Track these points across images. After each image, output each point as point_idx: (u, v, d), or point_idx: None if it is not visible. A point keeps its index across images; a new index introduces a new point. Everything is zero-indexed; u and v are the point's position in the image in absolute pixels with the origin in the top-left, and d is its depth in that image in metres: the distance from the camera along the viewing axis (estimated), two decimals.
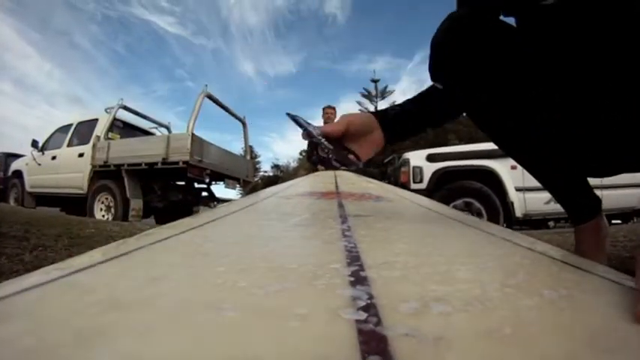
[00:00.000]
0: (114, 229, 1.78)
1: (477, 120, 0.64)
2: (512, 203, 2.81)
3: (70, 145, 4.90)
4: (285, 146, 52.98)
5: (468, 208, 2.83)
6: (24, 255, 1.01)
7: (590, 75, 0.52)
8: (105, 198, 4.34)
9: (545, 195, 2.64)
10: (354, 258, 0.28)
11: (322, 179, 1.48)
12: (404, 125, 0.59)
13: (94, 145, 4.45)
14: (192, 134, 3.91)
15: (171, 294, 0.20)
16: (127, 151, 4.25)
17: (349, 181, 1.38)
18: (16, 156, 6.90)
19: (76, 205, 4.75)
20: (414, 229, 0.47)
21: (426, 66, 0.63)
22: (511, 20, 0.59)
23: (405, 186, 3.07)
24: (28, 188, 5.33)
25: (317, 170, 3.09)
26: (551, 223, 3.70)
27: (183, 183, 4.91)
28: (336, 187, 1.10)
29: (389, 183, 2.93)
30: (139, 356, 0.14)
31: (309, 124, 0.54)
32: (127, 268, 0.26)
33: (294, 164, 28.91)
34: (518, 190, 2.82)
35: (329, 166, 0.54)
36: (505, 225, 2.76)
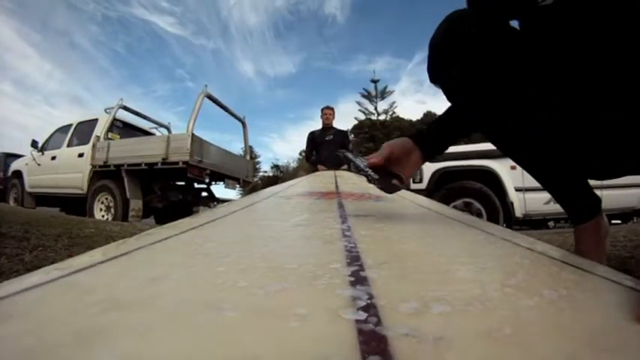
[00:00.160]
0: (114, 229, 1.78)
1: (475, 120, 0.64)
2: (512, 203, 2.81)
3: (69, 145, 4.90)
4: (285, 146, 53.06)
5: (467, 208, 2.83)
6: (24, 255, 1.01)
7: (590, 75, 0.52)
8: (105, 198, 4.34)
9: (545, 195, 2.64)
10: (354, 258, 0.28)
11: (322, 179, 1.48)
12: (438, 140, 0.63)
13: (93, 145, 4.45)
14: (192, 134, 3.91)
15: (171, 294, 0.20)
16: (126, 151, 4.25)
17: (349, 181, 1.38)
18: (16, 156, 6.90)
19: (75, 205, 4.75)
20: (414, 229, 0.47)
21: (426, 66, 0.63)
22: (515, 23, 0.59)
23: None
24: (27, 188, 5.32)
25: (317, 170, 3.09)
26: (551, 224, 3.70)
27: (183, 183, 4.90)
28: (336, 187, 1.10)
29: None
30: (139, 356, 0.14)
31: (356, 158, 0.60)
32: (127, 268, 0.26)
33: (293, 164, 28.95)
34: (517, 190, 2.82)
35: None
36: (505, 225, 2.76)
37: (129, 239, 0.34)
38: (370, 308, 0.18)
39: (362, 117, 22.17)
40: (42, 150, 5.22)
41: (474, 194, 2.87)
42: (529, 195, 2.81)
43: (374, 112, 21.86)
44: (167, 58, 55.31)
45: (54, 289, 0.21)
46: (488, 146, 2.76)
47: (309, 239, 0.38)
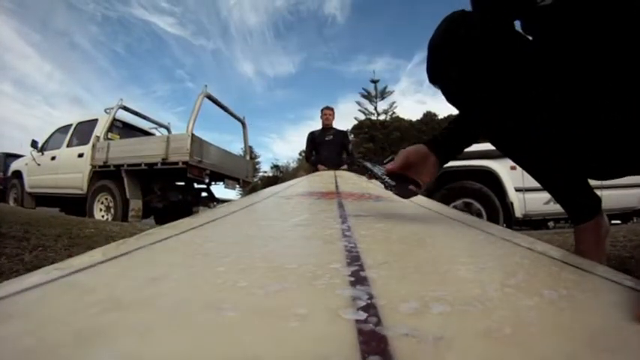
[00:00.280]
0: (114, 230, 1.78)
1: (475, 120, 0.64)
2: (511, 203, 2.81)
3: (69, 145, 4.89)
4: (285, 147, 53.01)
5: (467, 209, 2.82)
6: (24, 255, 1.01)
7: (590, 75, 0.52)
8: (104, 198, 4.34)
9: (545, 195, 2.64)
10: (354, 258, 0.28)
11: (322, 179, 1.48)
12: (452, 144, 0.65)
13: (93, 146, 4.45)
14: (192, 134, 3.91)
15: (171, 294, 0.20)
16: (126, 151, 4.25)
17: (349, 181, 1.38)
18: (16, 156, 6.90)
19: (75, 205, 4.75)
20: (414, 229, 0.47)
21: (425, 67, 0.63)
22: (515, 25, 0.60)
23: None
24: (27, 188, 5.32)
25: (317, 170, 3.09)
26: (550, 224, 3.69)
27: (182, 183, 4.90)
28: (336, 187, 1.10)
29: None
30: (139, 356, 0.14)
31: (374, 166, 0.63)
32: (127, 268, 0.26)
33: (293, 165, 28.96)
34: (517, 190, 2.82)
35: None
36: (505, 225, 2.76)
37: (129, 239, 0.34)
38: (370, 308, 0.18)
39: (362, 117, 22.20)
40: (42, 150, 5.22)
41: (473, 194, 2.87)
42: (529, 195, 2.81)
43: (374, 112, 21.87)
44: (167, 59, 55.28)
45: (54, 289, 0.21)
46: (488, 146, 2.75)
47: (309, 239, 0.38)
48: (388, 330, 0.16)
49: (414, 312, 0.18)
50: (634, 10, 0.44)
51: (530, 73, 0.57)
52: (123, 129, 4.98)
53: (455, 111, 0.67)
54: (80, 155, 4.65)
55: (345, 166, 3.48)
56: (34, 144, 5.30)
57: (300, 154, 28.02)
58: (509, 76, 0.56)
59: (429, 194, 2.86)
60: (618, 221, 2.92)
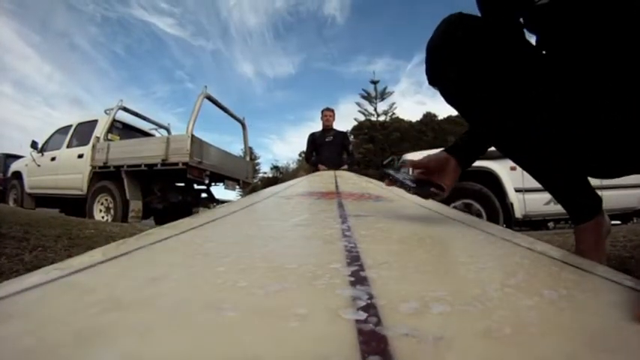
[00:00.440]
0: (113, 230, 1.78)
1: (474, 121, 0.64)
2: (511, 204, 2.81)
3: (69, 146, 4.89)
4: (285, 148, 53.06)
5: (467, 209, 2.82)
6: (24, 255, 1.01)
7: (589, 74, 0.52)
8: (104, 199, 4.34)
9: (545, 196, 2.64)
10: (354, 258, 0.28)
11: (322, 179, 1.48)
12: (472, 147, 0.66)
13: (93, 147, 4.45)
14: (192, 135, 3.91)
15: (171, 294, 0.20)
16: (126, 152, 4.25)
17: (349, 181, 1.38)
18: (16, 157, 6.90)
19: (75, 206, 4.75)
20: (414, 229, 0.47)
21: (424, 68, 0.64)
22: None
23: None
24: (27, 189, 5.32)
25: (317, 170, 3.09)
26: (550, 224, 3.69)
27: (182, 184, 4.90)
28: (336, 187, 1.10)
29: None
30: (139, 356, 0.14)
31: (397, 173, 0.64)
32: (127, 268, 0.26)
33: (293, 165, 28.98)
34: (517, 191, 2.82)
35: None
36: (505, 226, 2.76)
37: (129, 239, 0.34)
38: (370, 308, 0.18)
39: (361, 118, 22.21)
40: (42, 151, 5.22)
41: (473, 195, 2.87)
42: (529, 196, 2.81)
43: (373, 113, 21.87)
44: (166, 60, 55.34)
45: (54, 289, 0.21)
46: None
47: (309, 239, 0.38)
48: (388, 330, 0.16)
49: (414, 312, 0.18)
50: (633, 9, 0.44)
51: (530, 73, 0.57)
52: (123, 130, 4.98)
53: (455, 112, 0.68)
54: (80, 156, 4.65)
55: (346, 166, 3.48)
56: (33, 145, 5.30)
57: (300, 155, 28.05)
58: (508, 76, 0.57)
59: None
60: (618, 222, 2.92)
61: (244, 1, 54.14)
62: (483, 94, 0.58)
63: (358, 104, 22.01)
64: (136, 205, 4.12)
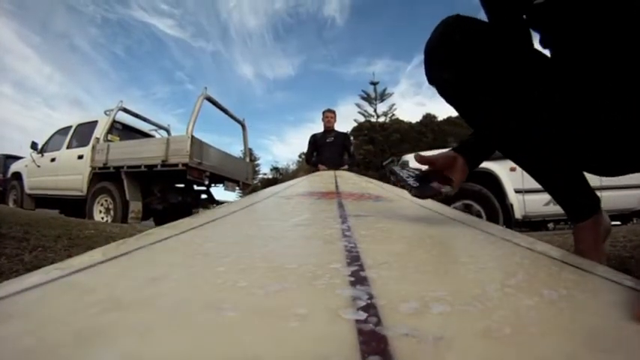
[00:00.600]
0: (113, 231, 1.78)
1: (473, 122, 0.65)
2: (511, 205, 2.81)
3: (69, 147, 4.89)
4: (285, 149, 53.04)
5: (467, 210, 2.82)
6: (23, 255, 1.01)
7: (589, 74, 0.53)
8: (104, 200, 4.34)
9: (545, 197, 2.64)
10: (354, 258, 0.28)
11: (322, 179, 1.48)
12: (479, 149, 0.66)
13: (93, 147, 4.45)
14: (192, 136, 3.91)
15: (171, 294, 0.20)
16: (126, 153, 4.25)
17: (349, 181, 1.38)
18: (16, 158, 6.90)
19: (75, 207, 4.74)
20: (414, 229, 0.47)
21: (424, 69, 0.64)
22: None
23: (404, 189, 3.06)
24: (27, 190, 5.32)
25: (317, 171, 3.09)
26: (550, 225, 3.69)
27: (182, 185, 4.90)
28: (336, 187, 1.10)
29: None
30: (139, 356, 0.14)
31: (402, 170, 0.65)
32: (127, 268, 0.26)
33: (293, 167, 28.98)
34: (517, 191, 2.82)
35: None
36: (504, 227, 2.76)
37: (129, 239, 0.34)
38: (370, 308, 0.18)
39: (361, 119, 22.19)
40: (41, 152, 5.22)
41: (473, 196, 2.87)
42: (528, 196, 2.81)
43: (373, 114, 21.85)
44: (166, 61, 55.35)
45: (54, 289, 0.21)
46: None
47: (309, 239, 0.38)
48: (388, 330, 0.16)
49: (414, 312, 0.18)
50: (632, 9, 0.45)
51: (529, 73, 0.58)
52: (123, 131, 4.98)
53: (455, 113, 0.68)
54: (80, 157, 4.65)
55: (346, 167, 3.49)
56: (33, 146, 5.30)
57: (299, 156, 28.06)
58: (506, 75, 0.57)
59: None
60: (618, 222, 2.92)
61: (244, 2, 54.26)
62: (482, 94, 0.59)
63: (358, 105, 22.02)
64: (135, 206, 4.12)
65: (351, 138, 3.89)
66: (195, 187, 5.09)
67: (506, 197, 2.84)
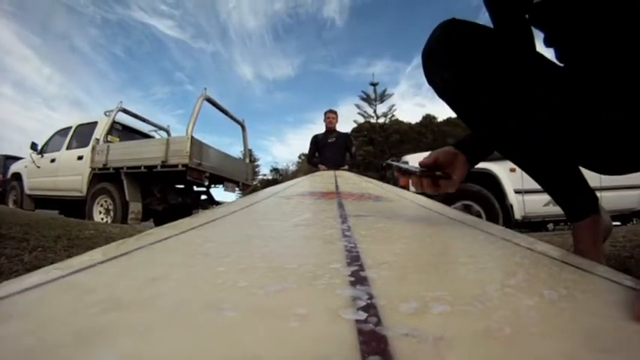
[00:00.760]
0: (113, 231, 1.77)
1: (472, 122, 0.65)
2: (511, 206, 2.81)
3: (69, 147, 4.89)
4: (284, 150, 53.10)
5: (467, 211, 2.82)
6: (23, 255, 1.00)
7: (589, 73, 0.53)
8: (104, 201, 4.33)
9: (544, 197, 2.64)
10: (354, 258, 0.28)
11: (322, 179, 1.48)
12: (480, 145, 0.66)
13: (93, 148, 4.45)
14: (192, 137, 3.91)
15: (171, 294, 0.20)
16: (126, 154, 4.25)
17: (349, 181, 1.38)
18: (15, 158, 6.89)
19: (74, 207, 4.74)
20: (414, 229, 0.47)
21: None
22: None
23: (403, 189, 3.06)
24: (27, 191, 5.31)
25: (318, 170, 3.10)
26: (550, 226, 3.69)
27: (182, 186, 4.90)
28: (336, 187, 1.10)
29: None
30: (139, 356, 0.14)
31: (405, 163, 0.66)
32: (127, 268, 0.26)
33: (293, 167, 29.00)
34: (517, 192, 2.82)
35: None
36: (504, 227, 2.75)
37: (129, 239, 0.34)
38: (370, 308, 0.18)
39: (361, 120, 22.19)
40: (41, 152, 5.21)
41: (473, 196, 2.87)
42: (528, 197, 2.81)
43: (373, 115, 21.86)
44: (166, 62, 55.47)
45: (54, 289, 0.21)
46: None
47: (309, 239, 0.38)
48: (388, 330, 0.16)
49: (414, 312, 0.18)
50: (633, 9, 0.45)
51: (529, 73, 0.58)
52: (122, 131, 4.98)
53: (455, 113, 0.68)
54: (80, 158, 4.65)
55: (346, 167, 3.49)
56: (33, 146, 5.30)
57: (299, 157, 28.08)
58: (507, 76, 0.57)
59: (429, 196, 2.85)
60: (618, 222, 2.92)
61: (243, 3, 54.34)
62: (482, 94, 0.59)
63: (358, 106, 22.02)
64: (135, 207, 4.12)
65: (352, 138, 3.89)
66: (195, 188, 5.09)
67: (505, 198, 2.84)
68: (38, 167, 5.15)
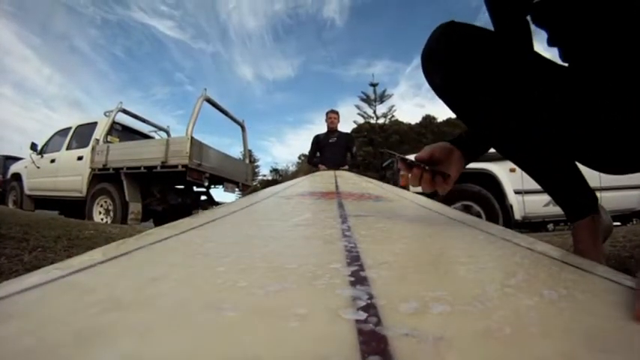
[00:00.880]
0: (113, 232, 1.77)
1: (472, 123, 0.65)
2: (511, 206, 2.81)
3: (69, 148, 4.89)
4: (284, 150, 53.12)
5: (466, 211, 2.82)
6: (23, 255, 1.00)
7: (590, 74, 0.53)
8: (104, 201, 4.33)
9: (544, 197, 2.64)
10: (354, 258, 0.28)
11: (322, 179, 1.48)
12: (476, 141, 0.66)
13: (93, 149, 4.45)
14: (192, 138, 3.91)
15: (171, 294, 0.20)
16: (126, 154, 4.25)
17: (349, 181, 1.39)
18: (15, 159, 6.90)
19: (74, 208, 4.74)
20: (414, 229, 0.47)
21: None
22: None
23: (403, 189, 3.06)
24: (26, 191, 5.31)
25: (318, 170, 3.10)
26: (550, 226, 3.69)
27: (182, 186, 4.90)
28: (336, 187, 1.10)
29: None
30: (139, 356, 0.14)
31: (403, 155, 0.65)
32: (127, 268, 0.26)
33: (293, 168, 29.00)
34: (517, 192, 2.82)
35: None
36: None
37: (129, 239, 0.34)
38: (370, 308, 0.18)
39: (361, 121, 22.17)
40: (41, 153, 5.21)
41: (473, 197, 2.87)
42: (528, 197, 2.81)
43: (373, 115, 21.82)
44: (166, 62, 55.51)
45: (54, 289, 0.21)
46: None
47: (309, 239, 0.38)
48: (388, 330, 0.16)
49: (414, 312, 0.18)
50: (633, 9, 0.45)
51: (528, 74, 0.58)
52: (122, 132, 4.98)
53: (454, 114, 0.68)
54: (80, 158, 4.65)
55: (346, 167, 3.50)
56: (33, 147, 5.29)
57: (299, 157, 28.10)
58: (507, 76, 0.57)
59: (429, 196, 2.85)
60: (618, 222, 2.92)
61: (243, 3, 54.39)
62: (482, 94, 0.59)
63: (357, 107, 21.97)
64: (135, 207, 4.11)
65: (354, 138, 3.90)
66: (195, 189, 5.09)
67: (505, 198, 2.84)
68: (38, 168, 5.15)
